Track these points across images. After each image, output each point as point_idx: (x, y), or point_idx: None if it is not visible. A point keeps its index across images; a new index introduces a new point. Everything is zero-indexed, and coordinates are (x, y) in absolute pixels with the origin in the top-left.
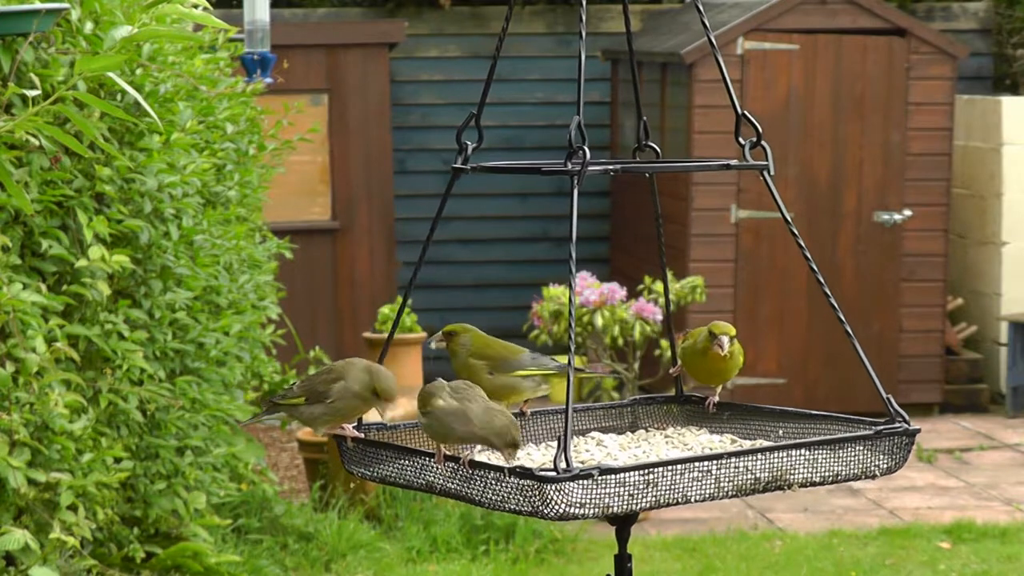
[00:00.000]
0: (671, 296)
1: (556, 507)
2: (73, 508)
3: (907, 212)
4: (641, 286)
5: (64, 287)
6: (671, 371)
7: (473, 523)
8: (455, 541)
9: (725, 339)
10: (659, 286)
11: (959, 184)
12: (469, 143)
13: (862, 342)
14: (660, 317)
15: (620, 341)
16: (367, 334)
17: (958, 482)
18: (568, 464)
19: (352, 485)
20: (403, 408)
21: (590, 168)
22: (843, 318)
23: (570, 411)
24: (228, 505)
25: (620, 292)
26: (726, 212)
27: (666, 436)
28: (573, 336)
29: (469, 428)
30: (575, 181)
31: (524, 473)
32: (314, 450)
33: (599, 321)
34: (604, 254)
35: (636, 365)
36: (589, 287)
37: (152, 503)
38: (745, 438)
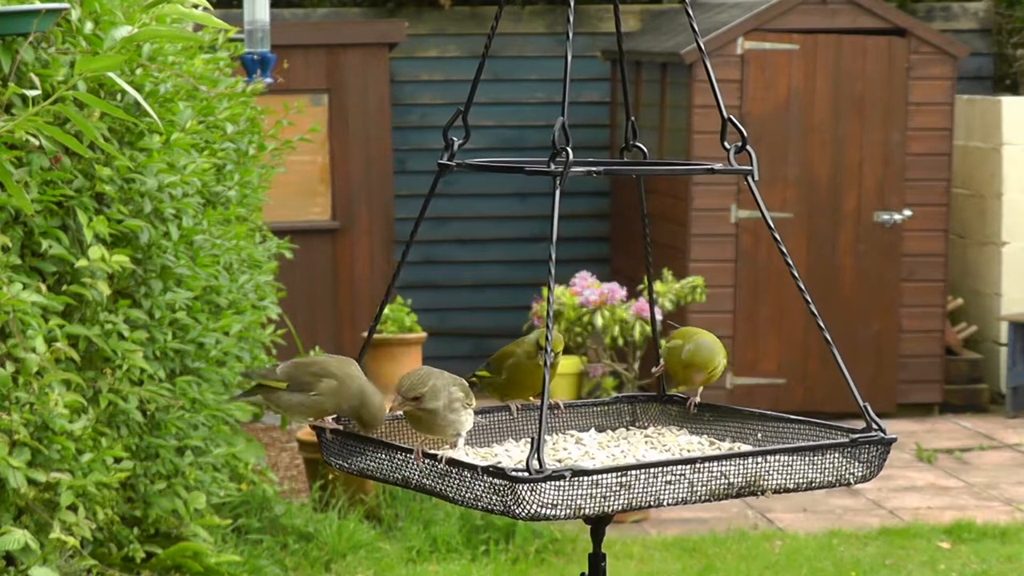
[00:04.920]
0: (671, 296)
1: (528, 507)
2: (73, 508)
3: (907, 212)
4: (641, 286)
5: (64, 287)
6: (653, 370)
7: (473, 523)
8: (455, 541)
9: (700, 376)
10: (657, 286)
11: (959, 184)
12: (456, 139)
13: (862, 342)
14: (660, 317)
15: (620, 341)
16: (367, 334)
17: (958, 482)
18: (541, 464)
19: (350, 483)
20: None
21: (573, 169)
22: (823, 324)
23: (544, 411)
24: (228, 505)
25: (620, 292)
26: (726, 212)
27: (646, 436)
28: (550, 336)
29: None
30: (557, 182)
31: (497, 472)
32: (314, 450)
33: (599, 321)
34: (604, 254)
35: (636, 365)
36: (589, 287)
37: (152, 503)
38: (724, 440)
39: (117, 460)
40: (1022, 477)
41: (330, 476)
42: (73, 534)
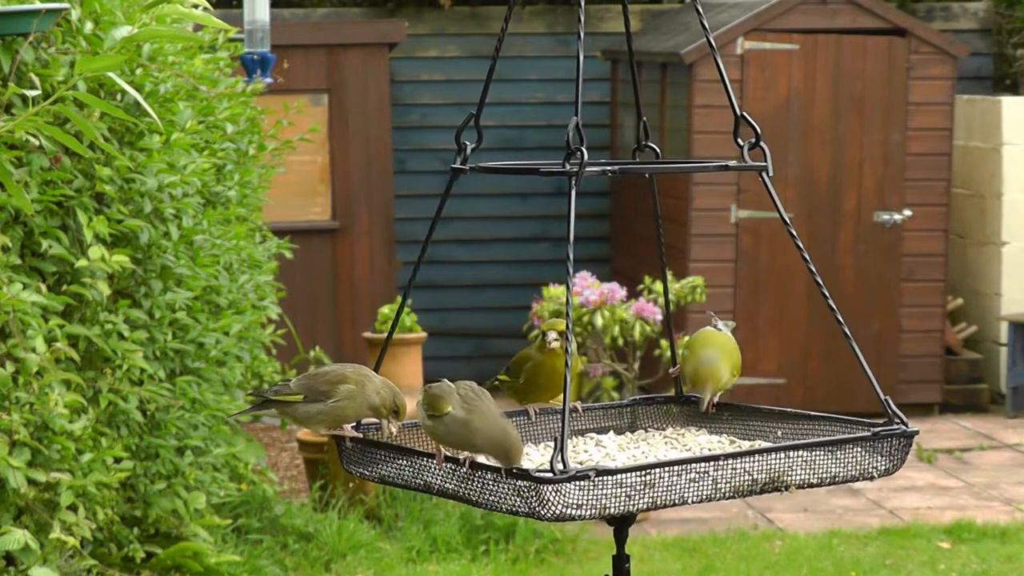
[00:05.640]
0: (671, 296)
1: (553, 508)
2: (73, 508)
3: (907, 212)
4: (641, 286)
5: (64, 287)
6: (671, 371)
7: (473, 523)
8: (455, 541)
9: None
10: (659, 286)
11: (959, 184)
12: (468, 143)
13: (862, 342)
14: (660, 317)
15: (620, 341)
16: (367, 334)
17: (958, 482)
18: (565, 465)
19: (351, 484)
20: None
21: (588, 169)
22: (842, 319)
23: (567, 412)
24: (228, 505)
25: (620, 292)
26: (726, 212)
27: (665, 437)
28: (571, 337)
29: (472, 441)
30: (573, 182)
31: (521, 474)
32: (314, 450)
33: (599, 321)
34: (604, 254)
35: (636, 365)
36: (589, 287)
37: (152, 503)
38: (744, 439)
39: (117, 460)
40: (1022, 477)
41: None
42: (73, 534)
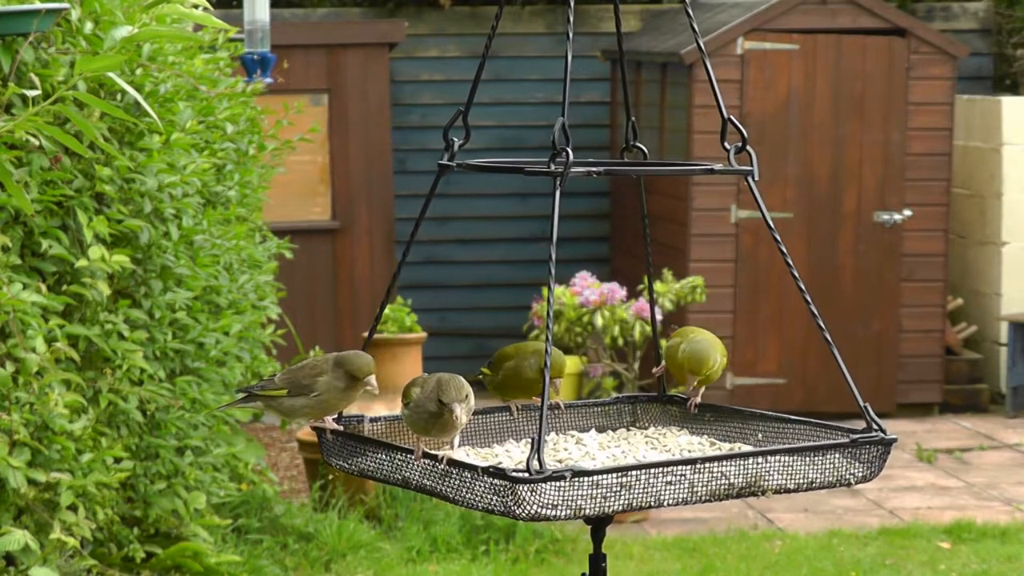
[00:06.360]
0: (671, 296)
1: (528, 508)
2: (73, 508)
3: (907, 212)
4: (641, 286)
5: (64, 287)
6: (654, 371)
7: (473, 523)
8: (455, 541)
9: (695, 379)
10: (657, 286)
11: (959, 184)
12: (456, 139)
13: (862, 342)
14: (660, 317)
15: (620, 341)
16: (367, 334)
17: (958, 482)
18: (541, 465)
19: (346, 482)
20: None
21: (573, 170)
22: (823, 324)
23: (544, 412)
24: (228, 505)
25: (620, 292)
26: (726, 212)
27: (646, 436)
28: (550, 337)
29: (424, 417)
30: (557, 182)
31: (497, 473)
32: (314, 450)
33: (599, 321)
34: (604, 254)
35: (636, 365)
36: (589, 287)
37: (152, 503)
38: (724, 440)
39: (117, 460)
40: (1022, 477)
41: (330, 476)
42: (73, 534)
